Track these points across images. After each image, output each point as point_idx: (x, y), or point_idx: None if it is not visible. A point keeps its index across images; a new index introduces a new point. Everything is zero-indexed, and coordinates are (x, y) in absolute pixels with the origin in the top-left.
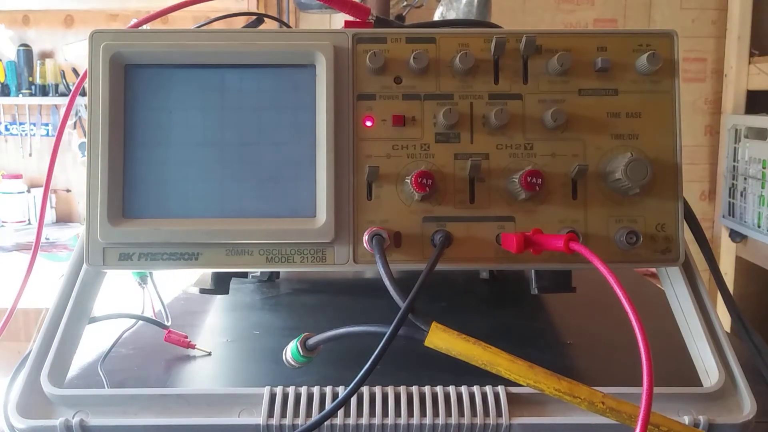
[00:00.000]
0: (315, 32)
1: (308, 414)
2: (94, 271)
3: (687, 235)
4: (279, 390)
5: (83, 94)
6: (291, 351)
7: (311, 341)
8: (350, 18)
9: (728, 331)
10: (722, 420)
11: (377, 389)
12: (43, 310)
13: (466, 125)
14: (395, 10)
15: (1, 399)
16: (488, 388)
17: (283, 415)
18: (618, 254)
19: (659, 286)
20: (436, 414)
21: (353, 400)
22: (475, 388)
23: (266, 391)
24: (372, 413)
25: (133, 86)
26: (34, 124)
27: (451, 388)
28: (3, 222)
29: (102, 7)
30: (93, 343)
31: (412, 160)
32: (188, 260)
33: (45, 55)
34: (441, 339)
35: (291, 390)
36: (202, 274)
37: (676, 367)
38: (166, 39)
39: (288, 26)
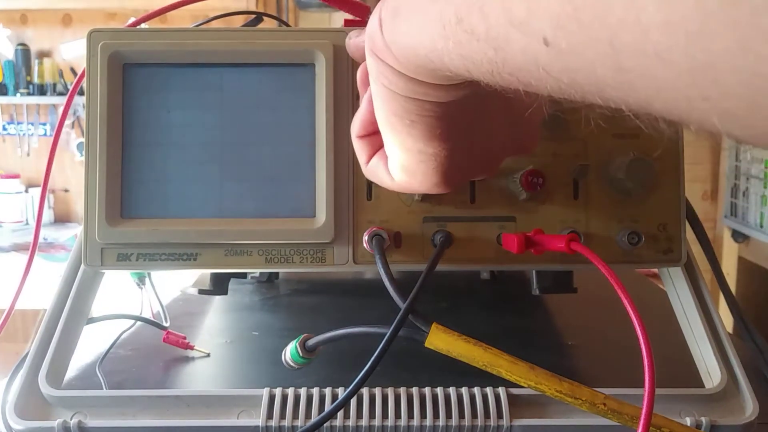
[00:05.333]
0: (314, 31)
1: (308, 415)
2: (92, 271)
3: (689, 235)
4: (278, 391)
5: (81, 93)
6: (290, 352)
7: (311, 342)
8: (350, 17)
9: (730, 331)
10: (724, 421)
11: (377, 390)
12: (40, 310)
13: None
14: None
15: None
16: (489, 390)
17: (283, 416)
18: (620, 255)
19: (661, 286)
20: (436, 415)
21: (353, 401)
22: (476, 390)
23: (265, 392)
24: (372, 415)
25: (132, 85)
26: (32, 124)
27: (452, 390)
28: (0, 222)
29: (100, 6)
30: (91, 344)
31: None
32: (187, 261)
33: (43, 54)
34: (441, 340)
35: (290, 391)
36: (201, 274)
37: (677, 368)
38: (165, 38)
39: (287, 25)
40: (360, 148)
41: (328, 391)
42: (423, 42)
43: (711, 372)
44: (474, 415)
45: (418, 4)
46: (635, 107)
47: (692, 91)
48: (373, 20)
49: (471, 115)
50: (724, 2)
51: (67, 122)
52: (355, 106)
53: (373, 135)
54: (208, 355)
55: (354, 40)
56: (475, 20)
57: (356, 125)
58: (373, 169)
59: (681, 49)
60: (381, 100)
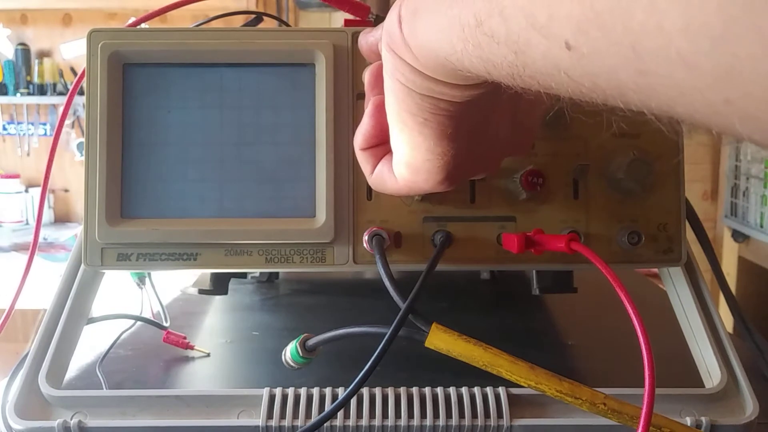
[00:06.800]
0: (314, 31)
1: (308, 415)
2: (92, 271)
3: (689, 235)
4: (278, 391)
5: (81, 93)
6: (290, 352)
7: (311, 342)
8: (350, 16)
9: (730, 331)
10: (724, 421)
11: (377, 390)
12: (41, 310)
13: None
14: None
15: None
16: (489, 390)
17: (283, 416)
18: (620, 254)
19: (661, 286)
20: (436, 415)
21: (353, 401)
22: (476, 390)
23: (265, 392)
24: (372, 414)
25: (132, 85)
26: (32, 124)
27: (452, 390)
28: (0, 222)
29: (100, 6)
30: (91, 344)
31: None
32: (187, 261)
33: (43, 54)
34: (441, 340)
35: (290, 391)
36: (201, 274)
37: (677, 368)
38: (165, 38)
39: (287, 25)
40: (364, 160)
41: (328, 391)
42: (442, 43)
43: (711, 372)
44: (474, 415)
45: (437, 4)
46: (657, 111)
47: (715, 95)
48: (391, 16)
49: (481, 115)
50: (747, 8)
51: (67, 122)
52: (355, 106)
53: (377, 146)
54: (208, 355)
55: (366, 38)
56: (495, 23)
57: (359, 138)
58: (378, 177)
59: (704, 53)
60: (395, 96)
